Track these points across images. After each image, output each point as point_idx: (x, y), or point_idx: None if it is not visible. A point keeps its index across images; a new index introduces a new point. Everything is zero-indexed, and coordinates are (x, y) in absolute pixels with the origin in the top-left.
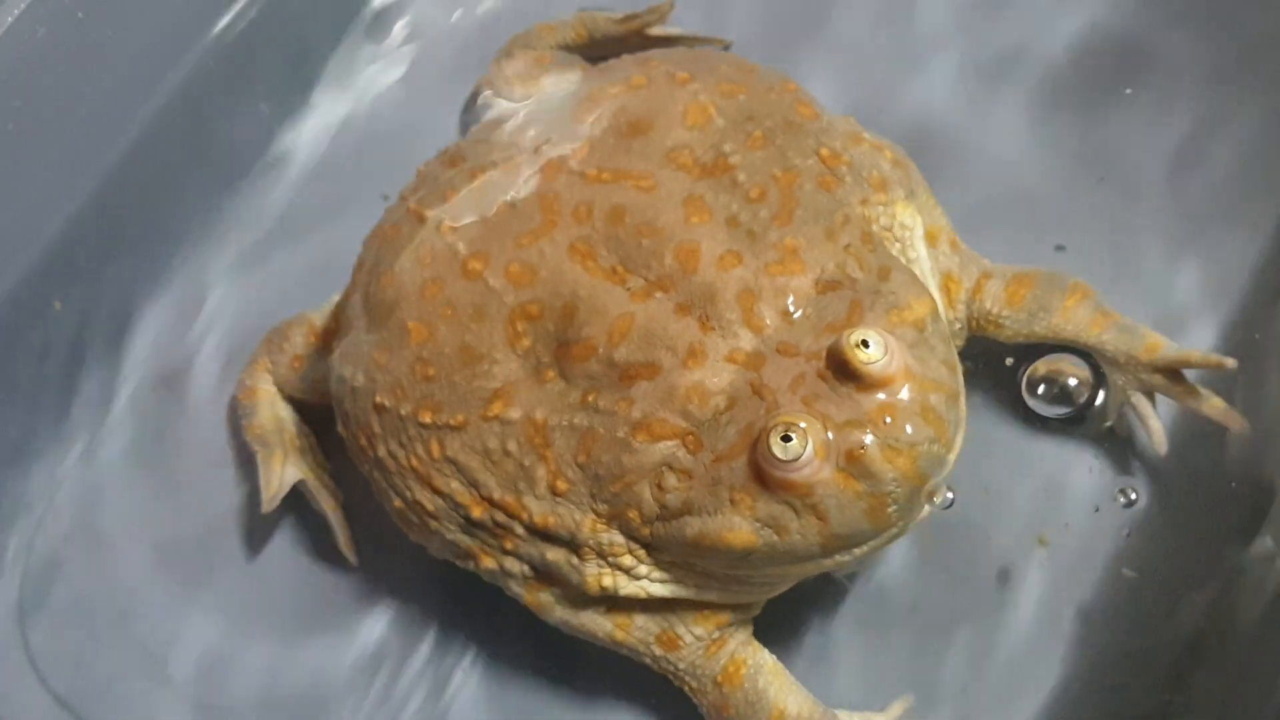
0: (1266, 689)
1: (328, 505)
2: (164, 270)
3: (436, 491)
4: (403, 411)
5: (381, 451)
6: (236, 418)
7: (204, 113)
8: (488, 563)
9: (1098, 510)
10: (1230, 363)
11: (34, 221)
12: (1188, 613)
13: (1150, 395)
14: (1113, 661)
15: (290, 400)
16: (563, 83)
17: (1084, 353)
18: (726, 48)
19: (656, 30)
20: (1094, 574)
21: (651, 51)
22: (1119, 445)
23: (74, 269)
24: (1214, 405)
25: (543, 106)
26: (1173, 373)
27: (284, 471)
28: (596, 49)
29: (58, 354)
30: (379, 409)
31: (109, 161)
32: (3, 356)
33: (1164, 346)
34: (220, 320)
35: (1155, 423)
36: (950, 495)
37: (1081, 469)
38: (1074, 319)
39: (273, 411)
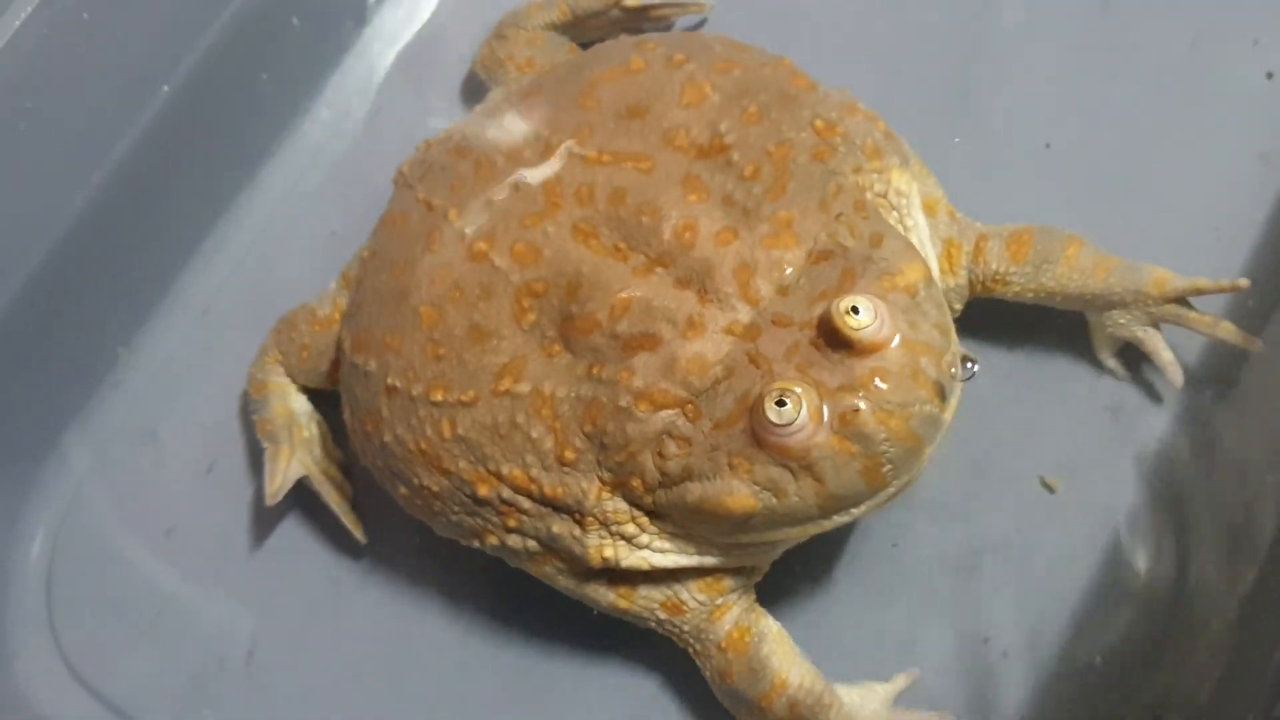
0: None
1: (331, 499)
2: (173, 261)
3: (444, 473)
4: (414, 392)
5: (388, 437)
6: (248, 411)
7: (210, 106)
8: (492, 541)
9: (1098, 463)
10: (1243, 283)
11: (47, 216)
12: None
13: (1156, 328)
14: (1123, 629)
15: (304, 390)
16: (555, 64)
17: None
18: (704, 21)
19: (633, 1)
20: (1101, 535)
21: (648, 35)
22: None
23: (86, 262)
24: (1226, 328)
25: (544, 92)
26: (1182, 302)
27: (288, 468)
28: (581, 26)
29: (81, 347)
30: (390, 391)
31: (117, 156)
32: (27, 349)
33: (1171, 277)
34: (228, 308)
35: (1168, 354)
36: (972, 365)
37: (1086, 421)
38: (1078, 265)
39: (283, 404)
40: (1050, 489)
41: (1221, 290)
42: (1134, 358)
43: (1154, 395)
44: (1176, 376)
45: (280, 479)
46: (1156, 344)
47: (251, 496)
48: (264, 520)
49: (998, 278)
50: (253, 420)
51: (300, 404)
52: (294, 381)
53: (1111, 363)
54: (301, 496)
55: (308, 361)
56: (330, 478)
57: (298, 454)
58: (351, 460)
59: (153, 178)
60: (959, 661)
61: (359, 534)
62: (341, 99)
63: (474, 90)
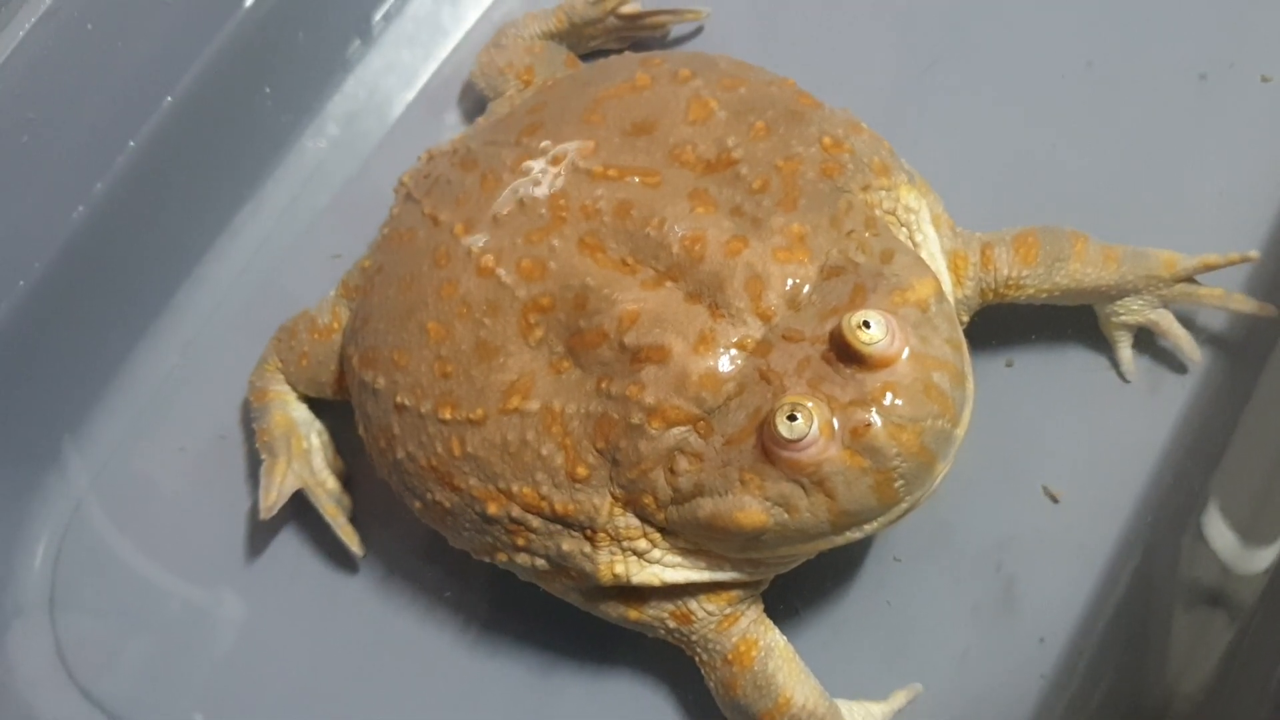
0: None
1: (327, 512)
2: (173, 272)
3: (454, 489)
4: (423, 410)
5: (400, 454)
6: (249, 420)
7: (212, 118)
8: (501, 558)
9: (1099, 464)
10: (1254, 255)
11: (49, 226)
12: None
13: (1166, 309)
14: (1130, 635)
15: (305, 399)
16: (558, 79)
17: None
18: (700, 29)
19: (629, 8)
20: (1105, 542)
21: (652, 52)
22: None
23: (87, 272)
24: (1240, 299)
25: (549, 107)
26: (1190, 281)
27: (283, 482)
28: (578, 34)
29: (81, 356)
30: (399, 409)
31: (119, 167)
32: (29, 357)
33: (1180, 257)
34: (229, 319)
35: (1182, 331)
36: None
37: (1086, 428)
38: (1089, 260)
39: (283, 413)
40: (1054, 498)
41: (1231, 263)
42: (1141, 352)
43: (1157, 398)
44: (1194, 352)
45: (275, 493)
46: (1170, 323)
47: (251, 506)
48: (264, 528)
49: (1010, 282)
50: (253, 430)
51: (300, 413)
52: (294, 390)
53: (1127, 354)
54: (304, 504)
55: (307, 370)
56: (328, 491)
57: (294, 466)
58: (353, 471)
59: (154, 189)
60: (960, 676)
61: (356, 547)
62: (345, 115)
63: (473, 100)
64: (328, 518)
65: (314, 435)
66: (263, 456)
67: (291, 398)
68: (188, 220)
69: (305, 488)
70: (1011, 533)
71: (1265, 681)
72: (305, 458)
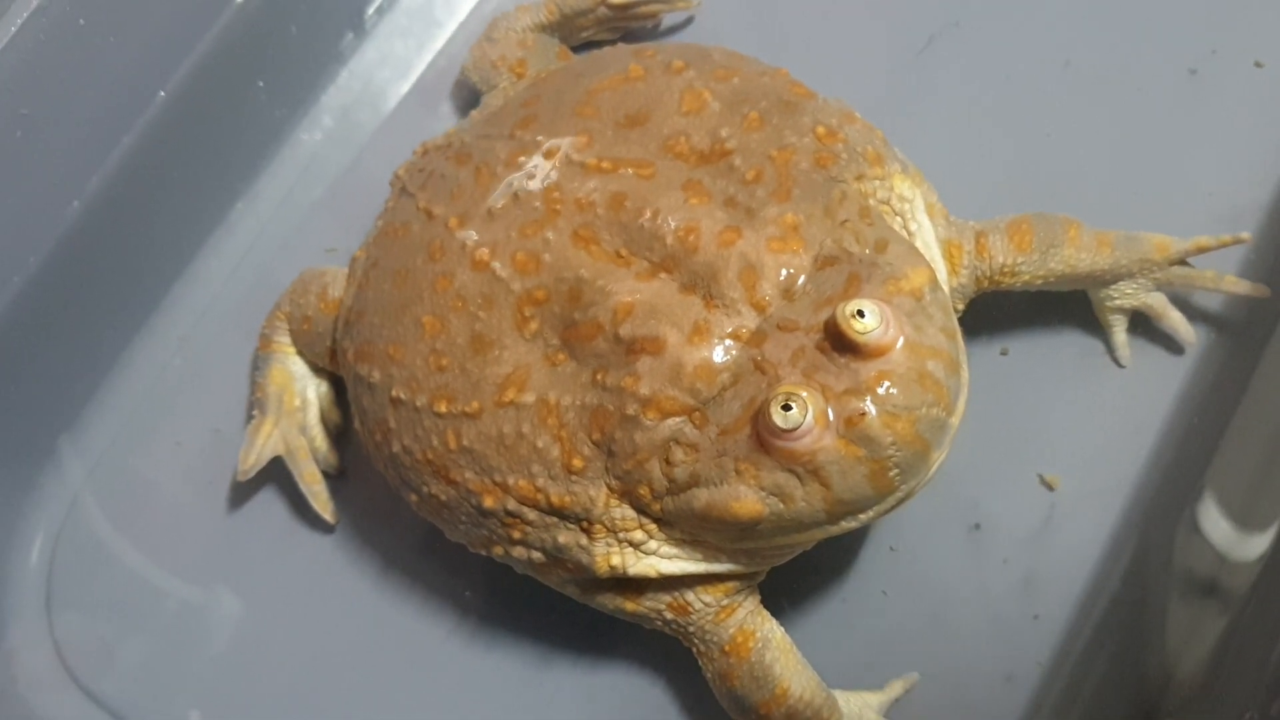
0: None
1: (304, 479)
2: (168, 268)
3: (450, 483)
4: (418, 403)
5: (396, 447)
6: (246, 411)
7: (206, 112)
8: (498, 551)
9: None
10: (1245, 236)
11: (43, 222)
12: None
13: (1159, 292)
14: (1124, 626)
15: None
16: (552, 71)
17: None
18: (690, 20)
19: None
20: (1100, 531)
21: (645, 44)
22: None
23: (82, 267)
24: (1233, 281)
25: (542, 100)
26: (1183, 264)
27: (265, 444)
28: (569, 26)
29: (77, 352)
30: (395, 402)
31: (114, 162)
32: (24, 354)
33: (1173, 241)
34: (223, 315)
35: (1176, 313)
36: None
37: (1081, 415)
38: (1083, 245)
39: (281, 367)
40: (1049, 486)
41: (1224, 245)
42: (1136, 337)
43: (1152, 382)
44: (1189, 335)
45: (254, 456)
46: (1164, 306)
47: (246, 500)
48: (261, 524)
49: (1006, 270)
50: (255, 382)
51: (299, 367)
52: (295, 346)
53: (1122, 338)
54: (306, 506)
55: (307, 335)
56: (315, 449)
57: (281, 426)
58: (349, 428)
59: (149, 184)
60: (956, 664)
61: (328, 516)
62: (339, 108)
63: (467, 92)
64: (302, 486)
65: (311, 390)
66: (253, 413)
67: (293, 350)
68: (182, 215)
69: (287, 454)
70: (1007, 520)
71: (1260, 666)
72: (295, 415)
